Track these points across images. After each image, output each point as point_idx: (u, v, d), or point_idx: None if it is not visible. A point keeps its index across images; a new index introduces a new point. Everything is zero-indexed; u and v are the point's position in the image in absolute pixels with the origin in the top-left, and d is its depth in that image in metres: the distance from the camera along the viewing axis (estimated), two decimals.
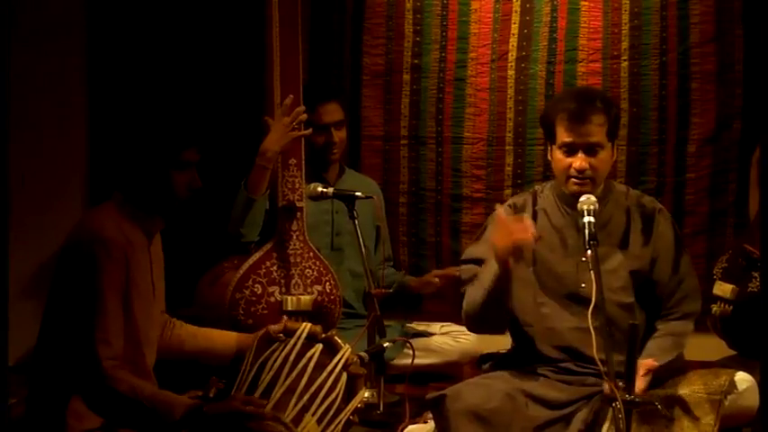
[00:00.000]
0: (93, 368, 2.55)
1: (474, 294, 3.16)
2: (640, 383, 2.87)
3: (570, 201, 3.19)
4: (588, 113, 3.13)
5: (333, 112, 4.02)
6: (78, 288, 2.61)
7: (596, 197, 3.07)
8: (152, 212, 2.77)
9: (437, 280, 4.06)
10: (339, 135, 4.03)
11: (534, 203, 3.31)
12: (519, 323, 3.22)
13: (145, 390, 2.60)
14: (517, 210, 3.30)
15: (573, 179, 3.15)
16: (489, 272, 3.08)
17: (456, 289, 3.68)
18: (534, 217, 3.28)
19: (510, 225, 2.99)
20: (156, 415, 2.57)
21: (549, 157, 3.26)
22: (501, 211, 3.10)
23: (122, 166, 2.76)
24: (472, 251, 3.34)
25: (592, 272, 2.81)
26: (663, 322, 3.20)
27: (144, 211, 2.76)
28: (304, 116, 3.76)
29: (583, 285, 3.09)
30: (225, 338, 3.02)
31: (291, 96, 3.74)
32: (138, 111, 2.84)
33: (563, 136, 3.15)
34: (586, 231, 2.92)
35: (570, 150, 3.15)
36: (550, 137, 3.21)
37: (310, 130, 3.80)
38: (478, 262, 3.26)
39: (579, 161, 3.13)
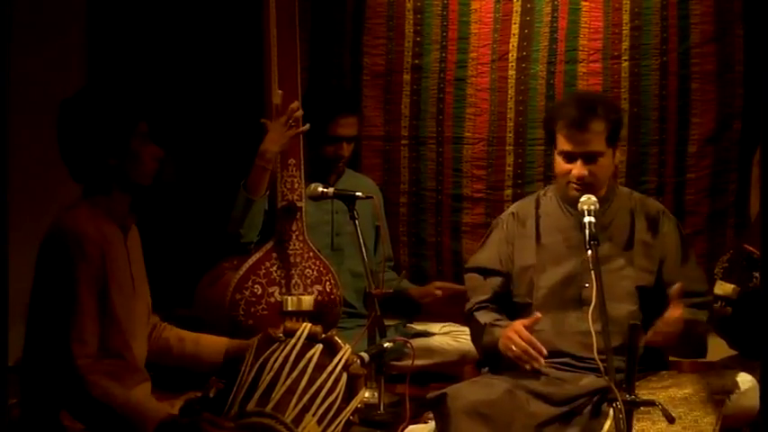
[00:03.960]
0: (67, 367, 2.53)
1: (475, 341, 3.34)
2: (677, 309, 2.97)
3: (572, 201, 3.20)
4: (588, 122, 3.14)
5: (350, 126, 4.02)
6: (54, 287, 2.60)
7: (599, 198, 3.08)
8: (128, 193, 2.75)
9: (438, 292, 4.07)
10: (349, 149, 4.04)
11: (537, 207, 3.32)
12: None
13: (119, 397, 2.55)
14: (519, 219, 3.32)
15: (572, 185, 3.17)
16: (491, 338, 3.19)
17: (455, 301, 3.77)
18: (537, 221, 3.30)
19: (526, 347, 3.05)
20: (128, 425, 2.53)
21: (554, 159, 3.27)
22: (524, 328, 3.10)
23: (83, 156, 2.73)
24: (477, 259, 3.36)
25: (592, 271, 2.82)
26: None
27: (121, 192, 2.73)
28: (300, 112, 3.76)
29: (586, 285, 3.09)
30: (213, 344, 2.97)
31: (296, 103, 3.74)
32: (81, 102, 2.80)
33: (562, 144, 3.16)
34: (587, 231, 2.93)
35: (569, 158, 3.16)
36: (552, 141, 3.23)
37: (307, 126, 3.78)
38: (483, 271, 3.30)
39: (578, 169, 3.15)
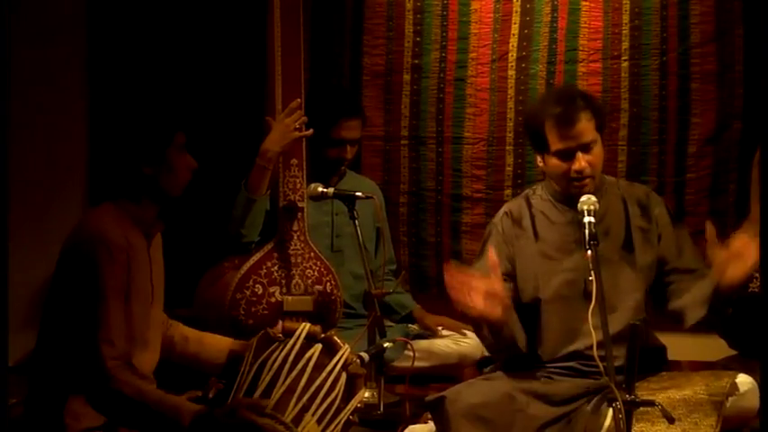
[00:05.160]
0: (97, 369, 2.54)
1: (479, 333, 3.18)
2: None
3: (565, 198, 3.20)
4: (575, 113, 3.12)
5: (354, 129, 4.02)
6: (80, 289, 2.61)
7: (591, 192, 3.09)
8: (158, 202, 2.76)
9: (439, 330, 4.12)
10: (352, 151, 4.04)
11: (529, 206, 3.31)
12: (525, 325, 3.21)
13: (151, 393, 2.59)
14: (514, 218, 3.30)
15: (574, 182, 3.15)
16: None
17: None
18: (532, 218, 3.29)
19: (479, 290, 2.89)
20: (164, 419, 2.55)
21: (541, 164, 3.24)
22: (493, 258, 2.98)
23: (122, 162, 2.74)
24: (478, 267, 3.33)
25: (592, 272, 2.82)
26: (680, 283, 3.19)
27: (151, 201, 2.74)
28: (305, 118, 3.77)
29: (590, 278, 3.06)
30: (217, 344, 2.99)
31: (299, 100, 3.75)
32: (129, 108, 2.81)
33: (556, 143, 3.14)
34: (586, 231, 2.93)
35: (566, 155, 3.14)
36: (541, 145, 3.19)
37: (311, 131, 3.79)
38: None
39: (578, 163, 3.13)
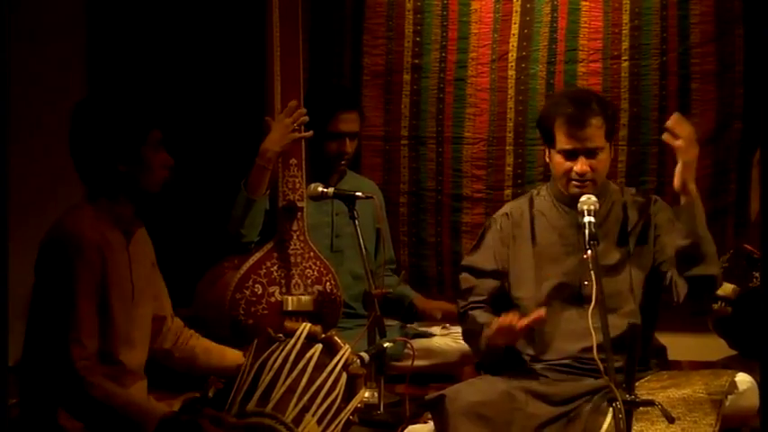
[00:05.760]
0: (66, 369, 2.53)
1: (471, 341, 3.27)
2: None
3: (568, 200, 3.21)
4: (587, 117, 3.14)
5: (352, 122, 4.02)
6: (53, 288, 2.60)
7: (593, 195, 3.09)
8: (133, 200, 2.75)
9: (438, 315, 4.10)
10: (352, 145, 4.03)
11: (531, 206, 3.32)
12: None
13: (119, 397, 2.57)
14: (513, 219, 3.31)
15: (574, 182, 3.16)
16: (485, 336, 3.13)
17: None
18: (532, 220, 3.30)
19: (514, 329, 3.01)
20: (129, 424, 2.55)
21: (548, 159, 3.27)
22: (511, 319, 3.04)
23: (93, 161, 2.73)
24: (471, 260, 3.35)
25: (591, 273, 2.82)
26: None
27: (126, 198, 2.74)
28: (305, 118, 3.77)
29: (585, 283, 3.09)
30: (237, 359, 2.97)
31: (296, 102, 3.75)
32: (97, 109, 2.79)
33: (563, 142, 3.16)
34: (586, 231, 2.93)
35: (570, 155, 3.15)
36: (549, 141, 3.22)
37: (311, 133, 3.79)
38: (478, 272, 3.28)
39: (580, 165, 3.14)
